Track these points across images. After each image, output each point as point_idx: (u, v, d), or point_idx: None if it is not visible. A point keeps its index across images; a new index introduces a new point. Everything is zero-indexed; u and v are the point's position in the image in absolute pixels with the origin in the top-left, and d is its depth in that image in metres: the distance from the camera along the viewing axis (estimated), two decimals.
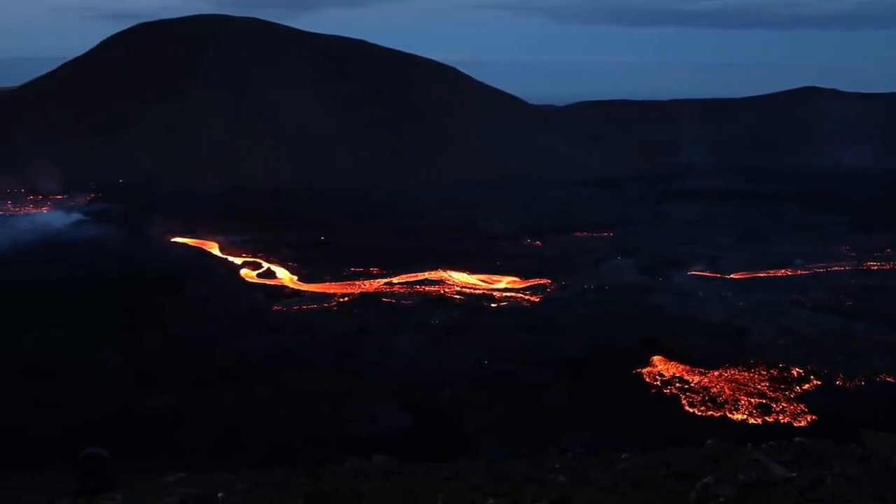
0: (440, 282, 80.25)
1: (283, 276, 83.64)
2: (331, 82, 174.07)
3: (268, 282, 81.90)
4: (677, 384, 52.27)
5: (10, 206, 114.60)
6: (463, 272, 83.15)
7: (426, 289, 77.59)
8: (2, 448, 39.20)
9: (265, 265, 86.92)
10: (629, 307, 68.92)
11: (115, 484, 11.35)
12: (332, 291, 76.78)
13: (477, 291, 77.78)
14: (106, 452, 11.60)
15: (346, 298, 73.94)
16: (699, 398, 50.07)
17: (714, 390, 51.24)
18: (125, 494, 10.92)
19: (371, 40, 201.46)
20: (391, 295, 75.13)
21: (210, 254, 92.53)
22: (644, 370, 54.69)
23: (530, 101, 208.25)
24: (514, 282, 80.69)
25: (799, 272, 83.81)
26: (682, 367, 55.09)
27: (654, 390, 51.66)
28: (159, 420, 44.44)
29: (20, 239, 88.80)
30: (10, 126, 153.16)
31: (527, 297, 74.84)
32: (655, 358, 56.48)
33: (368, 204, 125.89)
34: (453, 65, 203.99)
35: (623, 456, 12.53)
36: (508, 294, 76.53)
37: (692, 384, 52.26)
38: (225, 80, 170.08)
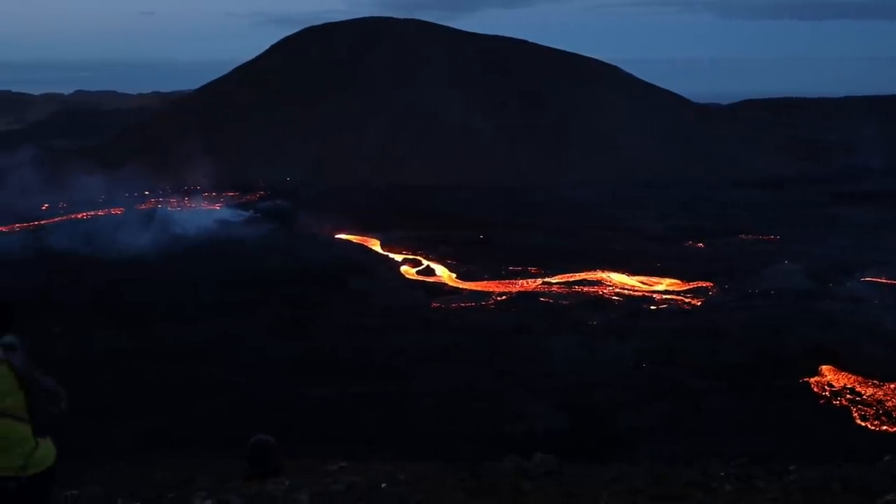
0: (598, 282, 79.45)
1: (442, 273, 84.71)
2: (491, 82, 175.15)
3: (427, 279, 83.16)
4: (848, 395, 49.74)
5: (186, 202, 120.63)
6: (622, 273, 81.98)
7: (584, 289, 76.97)
8: (178, 431, 41.47)
9: (425, 262, 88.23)
10: (796, 313, 66.01)
11: (281, 469, 11.90)
12: (490, 290, 77.23)
13: (636, 293, 76.59)
14: (273, 439, 12.18)
15: (504, 297, 74.19)
16: (872, 411, 47.47)
17: (889, 404, 48.45)
18: (292, 480, 11.42)
19: (532, 40, 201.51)
20: (549, 294, 74.90)
21: (371, 250, 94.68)
22: (812, 379, 52.32)
23: (694, 100, 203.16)
24: (675, 284, 78.96)
25: None
26: (853, 377, 52.35)
27: (822, 401, 49.37)
28: (320, 410, 45.83)
29: (195, 234, 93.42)
30: (187, 127, 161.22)
31: (688, 301, 73.12)
32: (824, 367, 53.91)
33: (527, 203, 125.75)
34: (616, 63, 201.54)
35: (791, 468, 12.14)
36: (668, 297, 74.99)
37: (864, 396, 49.63)
38: (387, 80, 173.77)
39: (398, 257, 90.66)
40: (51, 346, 49.95)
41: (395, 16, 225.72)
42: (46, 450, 6.23)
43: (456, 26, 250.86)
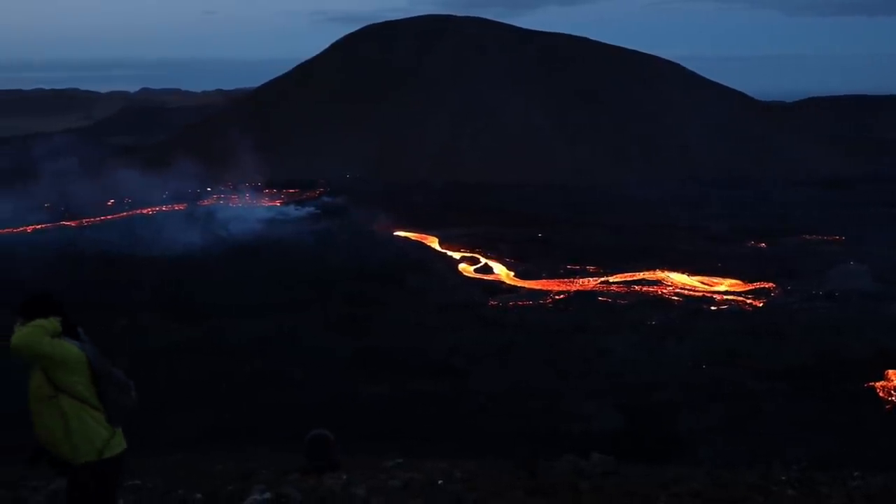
0: (658, 282, 78.62)
1: (500, 271, 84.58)
2: (551, 80, 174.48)
3: (485, 277, 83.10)
4: None
5: (245, 199, 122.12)
6: (682, 273, 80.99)
7: (643, 289, 76.24)
8: (236, 425, 42.08)
9: (482, 260, 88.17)
10: (862, 316, 64.52)
11: (338, 464, 12.01)
12: (547, 288, 76.92)
13: (696, 293, 75.61)
14: (330, 434, 12.29)
15: (562, 296, 73.83)
16: None
17: None
18: (349, 475, 11.50)
19: (592, 37, 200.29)
20: (607, 294, 74.35)
21: (429, 248, 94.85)
22: (877, 384, 51.09)
23: (758, 98, 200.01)
24: (736, 285, 77.79)
25: None
26: None
27: (888, 406, 48.23)
28: (376, 407, 46.15)
29: (254, 230, 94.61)
30: (248, 124, 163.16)
31: (749, 301, 71.97)
32: (891, 371, 52.61)
33: (587, 201, 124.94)
34: (678, 60, 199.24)
35: (855, 474, 11.86)
36: (729, 297, 73.89)
37: None
38: (446, 78, 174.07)
39: (456, 255, 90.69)
40: (113, 341, 50.92)
41: (455, 14, 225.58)
42: (118, 437, 6.44)
43: (516, 24, 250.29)
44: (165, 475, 13.19)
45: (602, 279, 79.37)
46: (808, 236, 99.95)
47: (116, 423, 6.48)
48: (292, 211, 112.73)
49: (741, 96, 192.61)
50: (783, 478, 11.02)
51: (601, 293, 74.78)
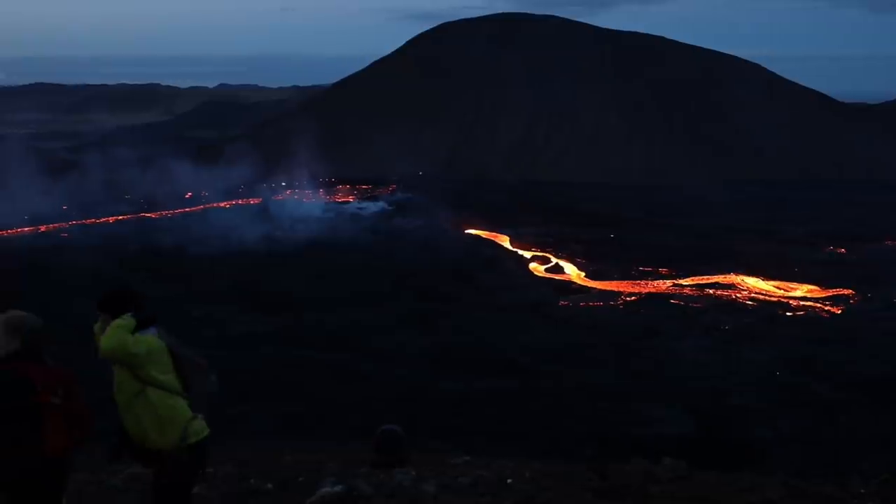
0: (732, 286, 77.34)
1: (571, 271, 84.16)
2: (626, 79, 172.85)
3: (555, 276, 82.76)
4: None
5: (320, 194, 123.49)
6: (757, 277, 79.48)
7: (717, 292, 75.10)
8: (308, 416, 42.59)
9: (553, 260, 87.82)
10: None
11: (408, 459, 12.10)
12: (619, 290, 76.27)
13: (771, 298, 74.17)
14: (401, 430, 12.38)
15: (634, 297, 73.18)
16: None
17: None
18: (418, 471, 11.57)
19: (670, 36, 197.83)
20: (679, 297, 73.45)
21: (501, 246, 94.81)
22: None
23: (840, 99, 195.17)
24: (813, 291, 76.05)
25: None
26: None
27: None
28: (445, 403, 46.25)
29: (328, 225, 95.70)
30: (323, 120, 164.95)
31: (827, 308, 70.34)
32: None
33: (660, 202, 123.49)
34: (758, 61, 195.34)
35: None
36: (806, 303, 72.31)
37: None
38: (521, 76, 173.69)
39: (527, 254, 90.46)
40: (192, 331, 51.96)
41: (531, 12, 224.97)
42: (201, 423, 6.59)
43: (593, 22, 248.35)
44: (239, 463, 13.43)
45: (674, 282, 78.39)
46: (890, 241, 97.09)
47: (199, 409, 6.64)
48: (365, 207, 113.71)
49: (821, 97, 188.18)
50: (862, 490, 10.77)
51: (673, 296, 73.92)
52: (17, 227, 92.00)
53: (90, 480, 11.66)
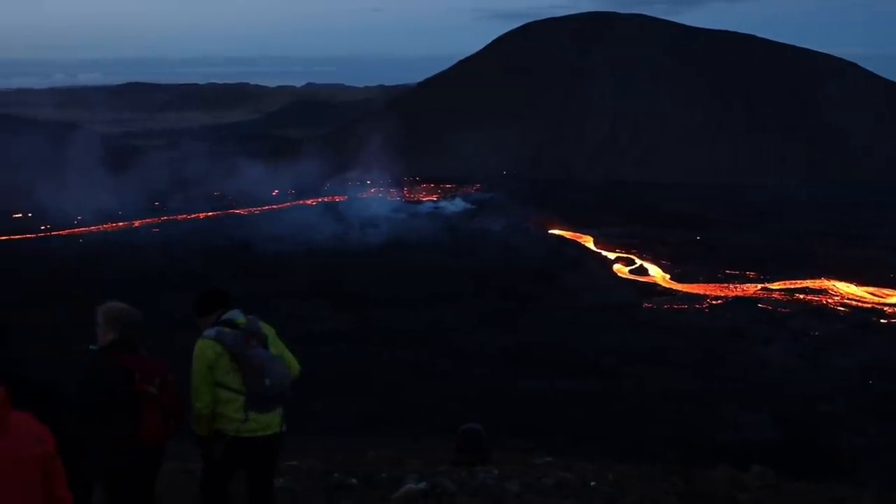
0: (823, 291, 75.27)
1: (656, 273, 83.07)
2: (714, 78, 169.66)
3: (639, 278, 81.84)
4: None
5: (404, 192, 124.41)
6: (850, 283, 77.09)
7: (807, 297, 73.19)
8: (389, 413, 42.92)
9: (638, 261, 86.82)
10: None
11: (489, 458, 12.06)
12: (704, 293, 75.01)
13: (865, 305, 71.94)
14: (482, 428, 12.36)
15: (720, 301, 71.89)
16: None
17: None
18: (501, 470, 11.53)
19: (759, 35, 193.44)
20: (767, 301, 71.83)
21: (584, 247, 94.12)
22: None
23: None
24: None
25: None
26: None
27: None
28: (526, 402, 46.11)
29: (412, 224, 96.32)
30: (408, 119, 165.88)
31: None
32: None
33: (748, 203, 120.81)
34: (854, 59, 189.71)
35: None
36: None
37: None
38: (607, 75, 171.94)
39: (611, 255, 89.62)
40: (281, 327, 52.70)
41: (617, 10, 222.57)
42: (258, 421, 6.65)
43: (680, 21, 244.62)
44: (322, 458, 13.58)
45: (762, 285, 76.65)
46: None
47: (253, 406, 6.68)
48: (448, 205, 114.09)
49: None
50: None
51: (761, 300, 72.31)
52: (111, 223, 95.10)
53: (180, 469, 11.94)
